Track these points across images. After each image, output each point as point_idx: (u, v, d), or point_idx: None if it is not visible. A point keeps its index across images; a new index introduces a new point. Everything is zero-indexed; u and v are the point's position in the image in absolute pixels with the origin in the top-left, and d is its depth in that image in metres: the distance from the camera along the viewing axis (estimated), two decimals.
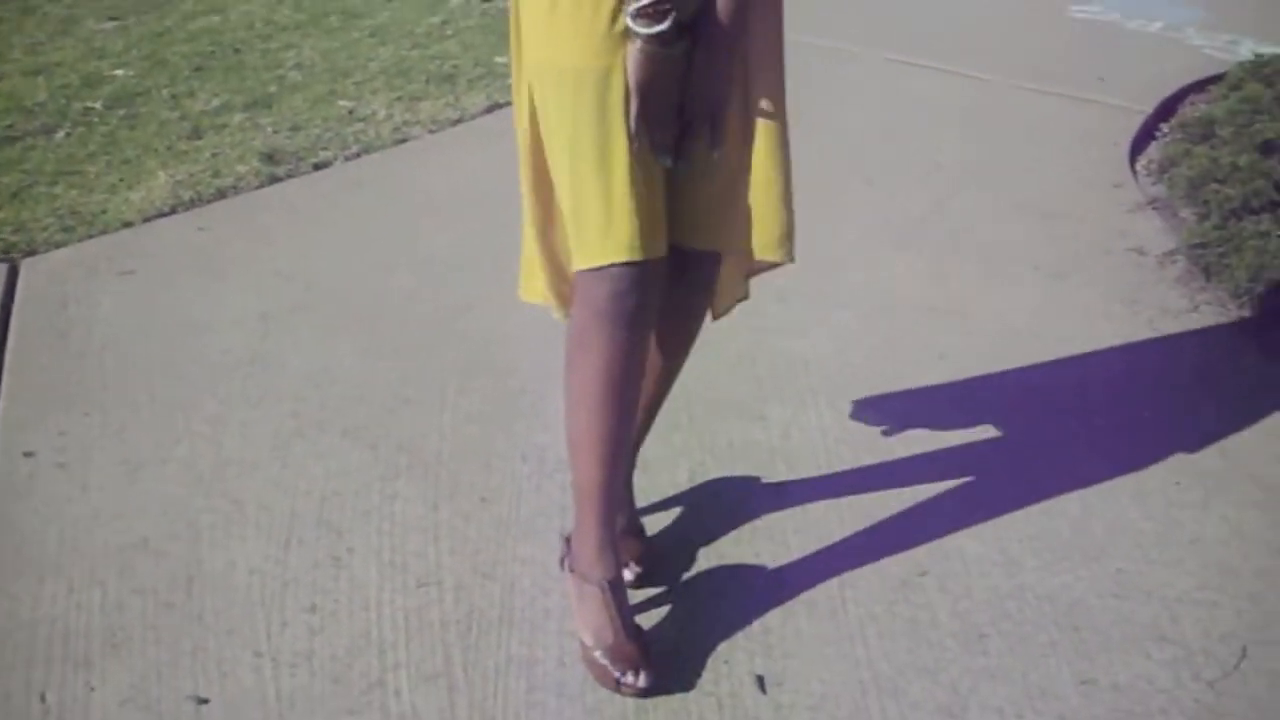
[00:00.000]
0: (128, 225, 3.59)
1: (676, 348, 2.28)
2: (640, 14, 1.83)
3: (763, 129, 2.10)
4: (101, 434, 2.75)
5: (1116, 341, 3.19)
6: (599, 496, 2.14)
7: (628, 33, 1.86)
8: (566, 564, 2.24)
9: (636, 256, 1.95)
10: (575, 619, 2.20)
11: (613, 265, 1.95)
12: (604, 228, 1.94)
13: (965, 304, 3.34)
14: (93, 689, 2.12)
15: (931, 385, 2.98)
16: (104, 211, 3.63)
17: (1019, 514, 2.59)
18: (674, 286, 2.11)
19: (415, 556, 2.42)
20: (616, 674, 2.12)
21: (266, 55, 4.86)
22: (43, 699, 2.10)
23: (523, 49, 2.02)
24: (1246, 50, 5.18)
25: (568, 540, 2.25)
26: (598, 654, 2.14)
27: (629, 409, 2.10)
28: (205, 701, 2.10)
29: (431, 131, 4.19)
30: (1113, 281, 3.48)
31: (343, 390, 2.90)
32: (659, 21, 1.83)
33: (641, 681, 2.11)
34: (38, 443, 2.70)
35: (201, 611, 2.28)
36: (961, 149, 4.26)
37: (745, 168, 2.10)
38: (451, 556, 2.43)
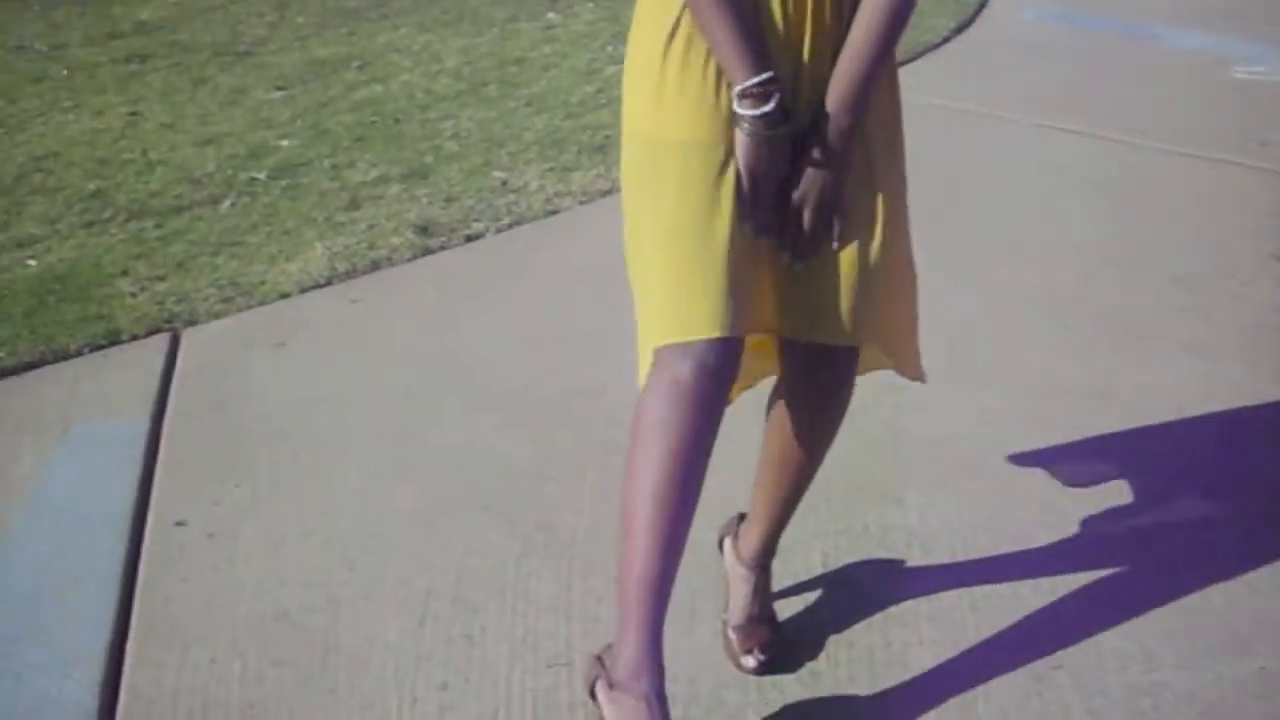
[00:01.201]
0: (284, 296, 3.71)
1: (814, 444, 2.21)
2: (745, 94, 1.86)
3: (883, 225, 2.04)
4: (251, 505, 2.84)
5: (1266, 425, 3.11)
6: (650, 596, 2.00)
7: (734, 114, 1.89)
8: (597, 682, 2.10)
9: (721, 333, 1.92)
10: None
11: (695, 342, 1.93)
12: (689, 303, 1.93)
13: (1111, 384, 3.28)
14: None
15: (1073, 469, 2.93)
16: (263, 283, 3.76)
17: (1159, 607, 2.53)
18: (810, 383, 2.12)
19: (547, 636, 2.45)
20: None
21: (425, 125, 4.99)
22: None
23: (624, 119, 2.04)
24: None
25: (599, 659, 2.14)
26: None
27: (693, 497, 2.00)
28: None
29: (582, 202, 4.26)
30: (1266, 360, 3.39)
31: (484, 466, 2.95)
32: (763, 103, 1.85)
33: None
34: (190, 513, 2.80)
35: (336, 686, 2.34)
36: (1113, 219, 4.19)
37: (879, 257, 2.03)
38: (583, 638, 2.45)
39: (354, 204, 4.27)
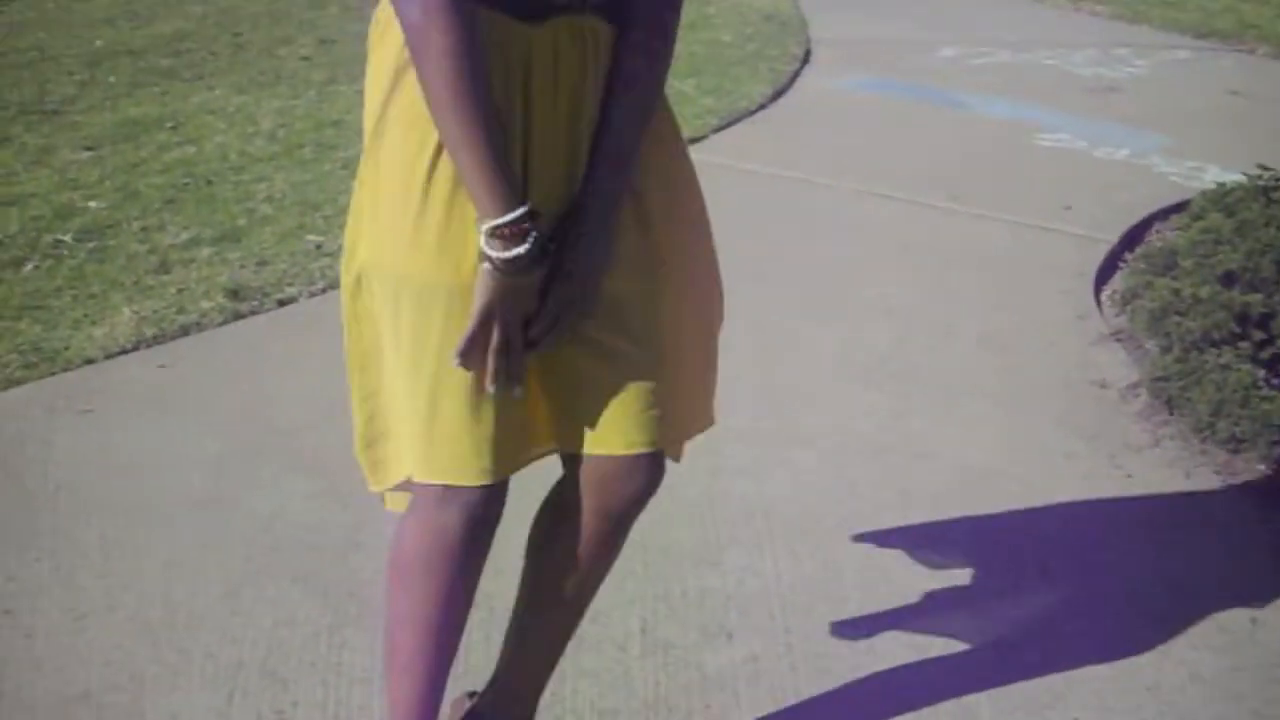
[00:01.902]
0: (90, 362, 3.58)
1: (600, 553, 1.97)
2: (496, 234, 1.64)
3: (696, 311, 1.92)
4: (51, 580, 2.72)
5: (1077, 480, 3.19)
6: (418, 713, 1.99)
7: (481, 251, 1.66)
8: None
9: (492, 480, 1.80)
10: None
11: (462, 488, 1.81)
12: (454, 450, 1.78)
13: (926, 442, 3.34)
14: None
15: (890, 529, 2.97)
16: (67, 348, 3.63)
17: (975, 663, 2.56)
18: (610, 496, 1.89)
19: (359, 709, 2.39)
20: None
21: (239, 187, 4.90)
22: None
23: (362, 245, 1.79)
24: (1211, 177, 5.24)
25: None
26: None
27: (460, 627, 1.98)
28: None
29: None
30: (1075, 416, 3.49)
31: (296, 535, 2.88)
32: (517, 244, 1.64)
33: None
34: None
35: None
36: (924, 281, 4.29)
37: (673, 354, 1.86)
38: None
39: (164, 267, 4.16)
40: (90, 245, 4.34)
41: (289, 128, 5.65)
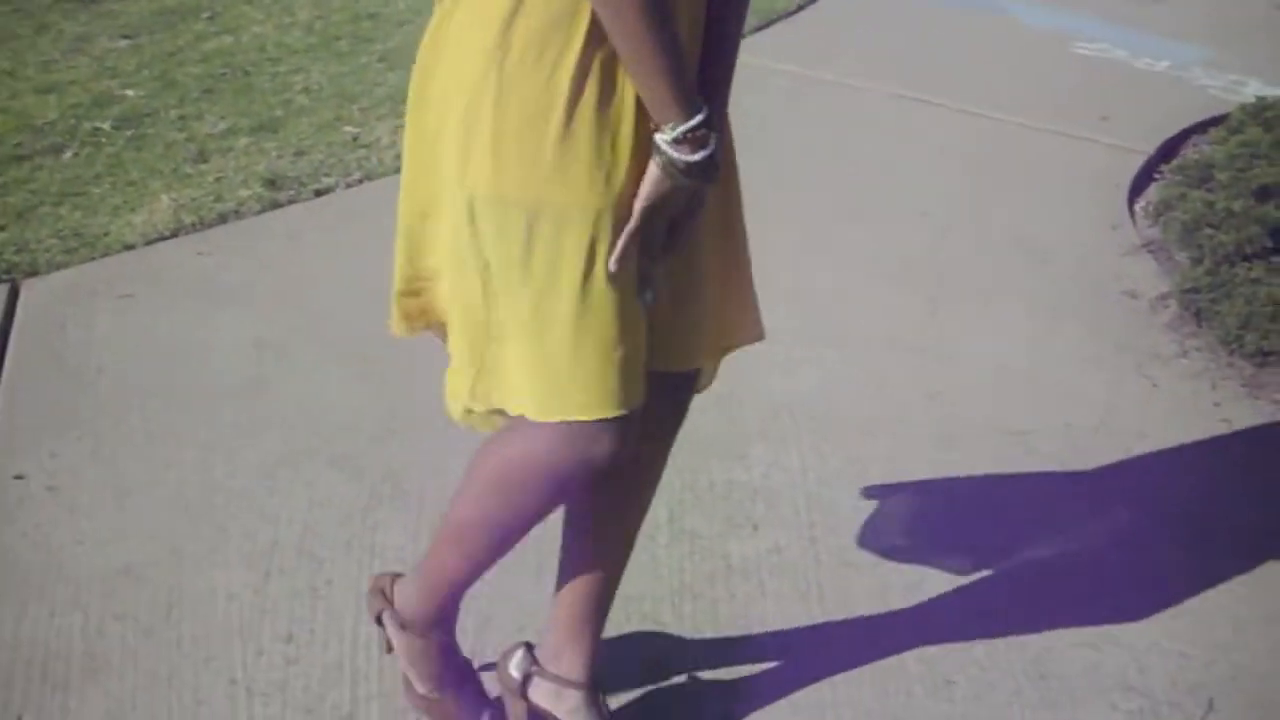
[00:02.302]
0: (129, 248, 3.63)
1: (655, 471, 2.07)
2: (685, 139, 1.61)
3: (735, 225, 1.92)
4: (93, 458, 2.78)
5: (1104, 386, 3.21)
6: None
7: (658, 157, 1.63)
8: (385, 614, 2.14)
9: (623, 410, 1.74)
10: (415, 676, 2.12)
11: (594, 421, 1.74)
12: (608, 379, 1.72)
13: (956, 344, 3.36)
14: (69, 712, 2.16)
15: (916, 426, 3.00)
16: (106, 234, 3.67)
17: (994, 558, 2.61)
18: (673, 408, 1.99)
19: None
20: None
21: (275, 78, 4.90)
22: None
23: (476, 175, 1.68)
24: (1252, 91, 5.20)
25: (382, 592, 2.15)
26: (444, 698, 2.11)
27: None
28: None
29: None
30: (1104, 324, 3.50)
31: (332, 419, 2.93)
32: (701, 148, 1.62)
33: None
34: (29, 466, 2.74)
35: (180, 638, 2.32)
36: (959, 186, 4.28)
37: (727, 273, 1.91)
38: None
39: (202, 156, 4.19)
40: (129, 133, 4.37)
41: (326, 19, 5.64)
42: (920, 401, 3.10)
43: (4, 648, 2.29)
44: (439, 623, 2.08)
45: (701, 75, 1.71)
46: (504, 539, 1.94)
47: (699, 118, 1.60)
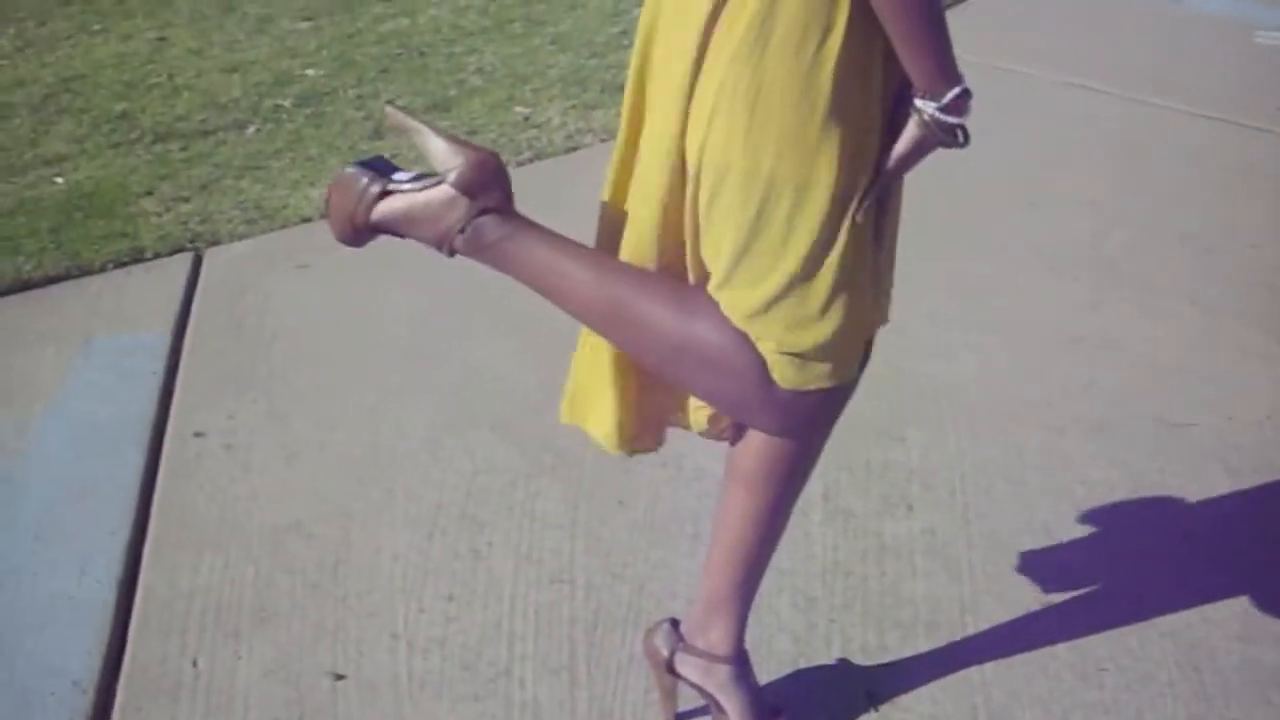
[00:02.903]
0: (306, 221, 3.76)
1: (821, 445, 2.04)
2: (951, 107, 1.66)
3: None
4: (267, 419, 2.90)
5: (1270, 383, 3.15)
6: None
7: (920, 123, 1.68)
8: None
9: (849, 379, 1.84)
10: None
11: (830, 389, 1.81)
12: (847, 344, 1.79)
13: (1117, 335, 3.32)
14: (240, 659, 2.26)
15: (1074, 415, 2.98)
16: (285, 206, 3.81)
17: (1151, 548, 2.59)
18: None
19: (551, 553, 2.52)
20: None
21: (450, 59, 5.02)
22: (194, 664, 2.25)
23: (729, 152, 1.69)
24: None
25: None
26: None
27: None
28: (342, 678, 2.22)
29: (603, 140, 4.29)
30: (1270, 319, 3.43)
31: (497, 387, 3.02)
32: (962, 114, 1.68)
33: None
34: (208, 424, 2.87)
35: (346, 594, 2.41)
36: (1128, 176, 4.22)
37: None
38: (586, 555, 2.52)
39: (377, 134, 4.31)
40: (308, 111, 4.52)
41: (499, 2, 5.76)
42: (1079, 390, 3.08)
43: (180, 596, 2.40)
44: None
45: None
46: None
47: (961, 85, 1.67)
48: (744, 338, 1.78)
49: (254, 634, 2.32)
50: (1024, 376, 3.13)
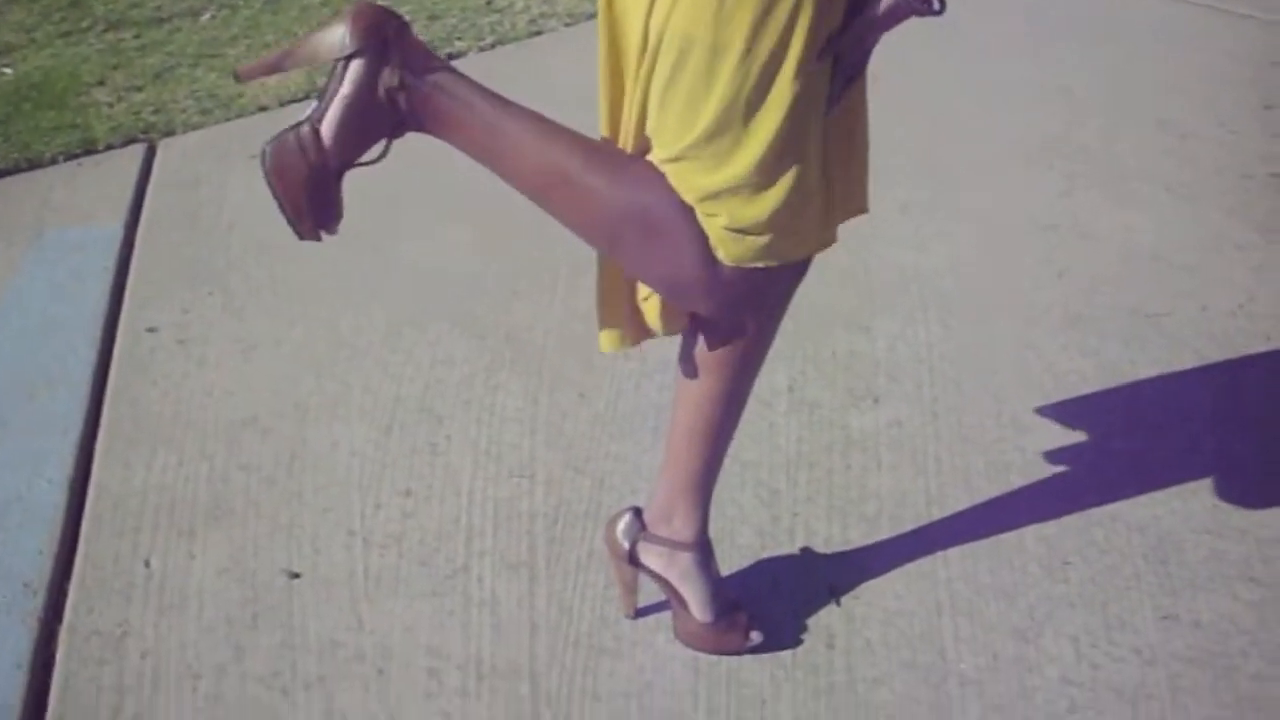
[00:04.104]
0: (263, 109, 3.67)
1: (775, 330, 1.98)
2: None
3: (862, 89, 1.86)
4: (222, 313, 2.84)
5: (1246, 271, 3.10)
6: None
7: None
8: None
9: (813, 251, 1.81)
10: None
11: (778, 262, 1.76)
12: (797, 219, 1.72)
13: (1091, 223, 3.27)
14: (193, 557, 2.22)
15: (1046, 305, 2.93)
16: (240, 95, 3.71)
17: (1119, 440, 2.55)
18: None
19: (510, 448, 2.47)
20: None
21: None
22: (147, 564, 2.21)
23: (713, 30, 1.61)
24: None
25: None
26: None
27: None
28: (297, 576, 2.18)
29: (567, 24, 4.19)
30: (1249, 207, 3.37)
31: (455, 280, 2.95)
32: None
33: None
34: (161, 319, 2.80)
35: (301, 489, 2.37)
36: (1103, 63, 4.14)
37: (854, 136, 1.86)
38: (546, 449, 2.47)
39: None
40: None
41: None
42: (1051, 280, 3.03)
43: (134, 493, 2.35)
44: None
45: None
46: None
47: None
48: (690, 211, 1.72)
49: (208, 532, 2.27)
50: (996, 266, 3.07)
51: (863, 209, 1.90)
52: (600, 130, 1.80)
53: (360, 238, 3.09)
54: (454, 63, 3.90)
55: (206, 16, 4.24)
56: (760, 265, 1.74)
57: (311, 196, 1.81)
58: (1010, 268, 3.07)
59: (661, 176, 1.72)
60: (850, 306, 2.89)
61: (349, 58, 1.73)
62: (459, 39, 4.05)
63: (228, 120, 3.62)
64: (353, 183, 3.15)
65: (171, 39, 4.08)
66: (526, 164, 1.78)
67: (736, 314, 1.81)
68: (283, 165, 1.78)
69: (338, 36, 1.72)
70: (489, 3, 4.32)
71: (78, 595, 2.15)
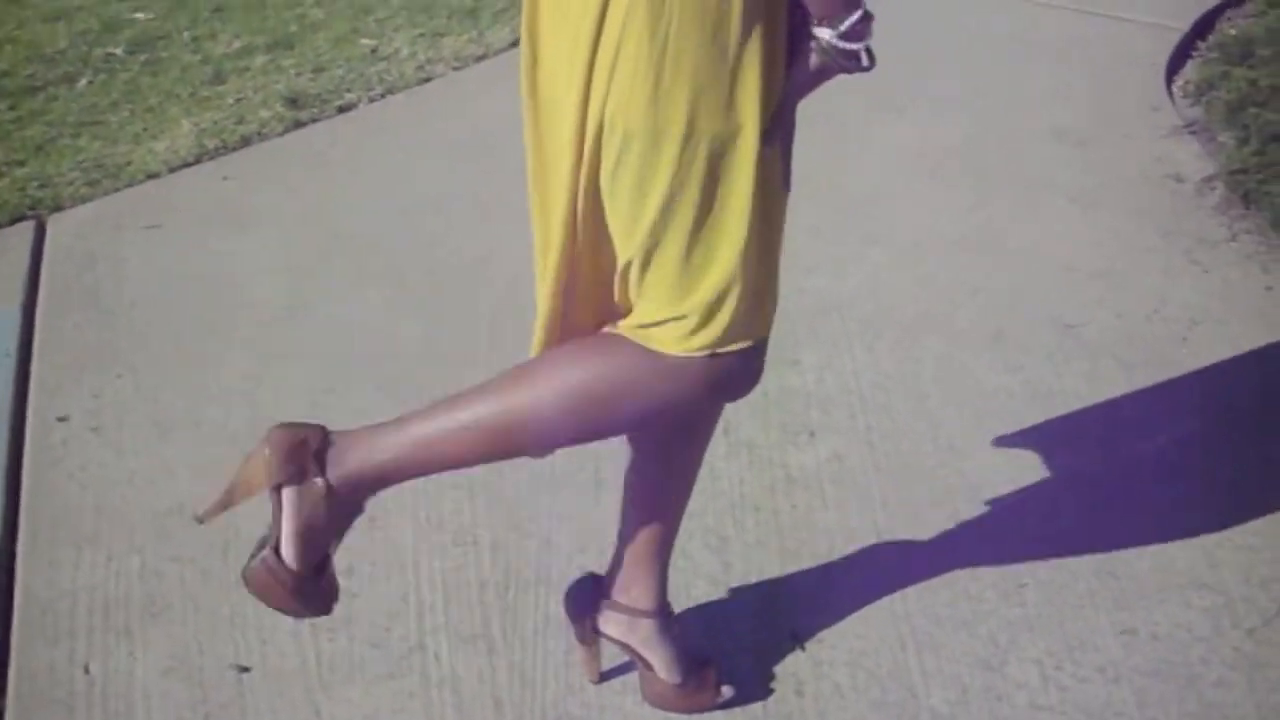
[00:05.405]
0: (153, 176, 3.57)
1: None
2: (852, 33, 1.59)
3: None
4: (135, 395, 2.75)
5: (1153, 273, 3.14)
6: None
7: (819, 51, 1.60)
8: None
9: (766, 333, 1.76)
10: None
11: (756, 342, 1.73)
12: (756, 301, 1.69)
13: (1000, 236, 3.29)
14: (135, 659, 2.15)
15: (966, 323, 2.95)
16: (129, 163, 3.61)
17: (1055, 456, 2.56)
18: None
19: (451, 514, 2.42)
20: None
21: None
22: (86, 670, 2.13)
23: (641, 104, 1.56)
24: None
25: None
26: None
27: None
28: (247, 670, 2.11)
29: (455, 69, 4.14)
30: (1150, 209, 3.42)
31: (374, 342, 2.89)
32: (861, 39, 1.61)
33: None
34: (71, 406, 2.71)
35: (239, 578, 2.28)
36: (994, 73, 4.18)
37: None
38: (487, 512, 2.43)
39: (219, 77, 4.11)
40: (143, 57, 4.29)
41: None
42: (967, 297, 3.04)
43: (64, 594, 2.26)
44: (374, 488, 1.84)
45: None
46: (537, 444, 1.83)
47: (860, 9, 1.59)
48: (625, 352, 1.69)
49: (147, 630, 2.19)
50: (913, 287, 3.08)
51: None
52: (533, 219, 1.76)
53: (271, 305, 3.02)
54: (345, 116, 3.86)
55: (84, 82, 4.12)
56: (737, 348, 1.70)
57: (301, 600, 1.82)
58: (926, 287, 3.08)
59: (578, 351, 1.72)
60: (776, 339, 2.83)
61: (277, 487, 1.77)
62: (348, 90, 3.98)
63: (117, 190, 3.52)
64: (256, 249, 3.08)
65: (49, 108, 3.96)
66: (473, 448, 1.77)
67: (713, 402, 1.79)
68: (264, 588, 1.82)
69: (263, 468, 1.77)
70: (374, 51, 4.25)
71: (16, 711, 2.06)
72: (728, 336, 1.67)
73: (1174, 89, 4.15)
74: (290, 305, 3.02)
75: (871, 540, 2.36)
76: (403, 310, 2.99)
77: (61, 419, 2.67)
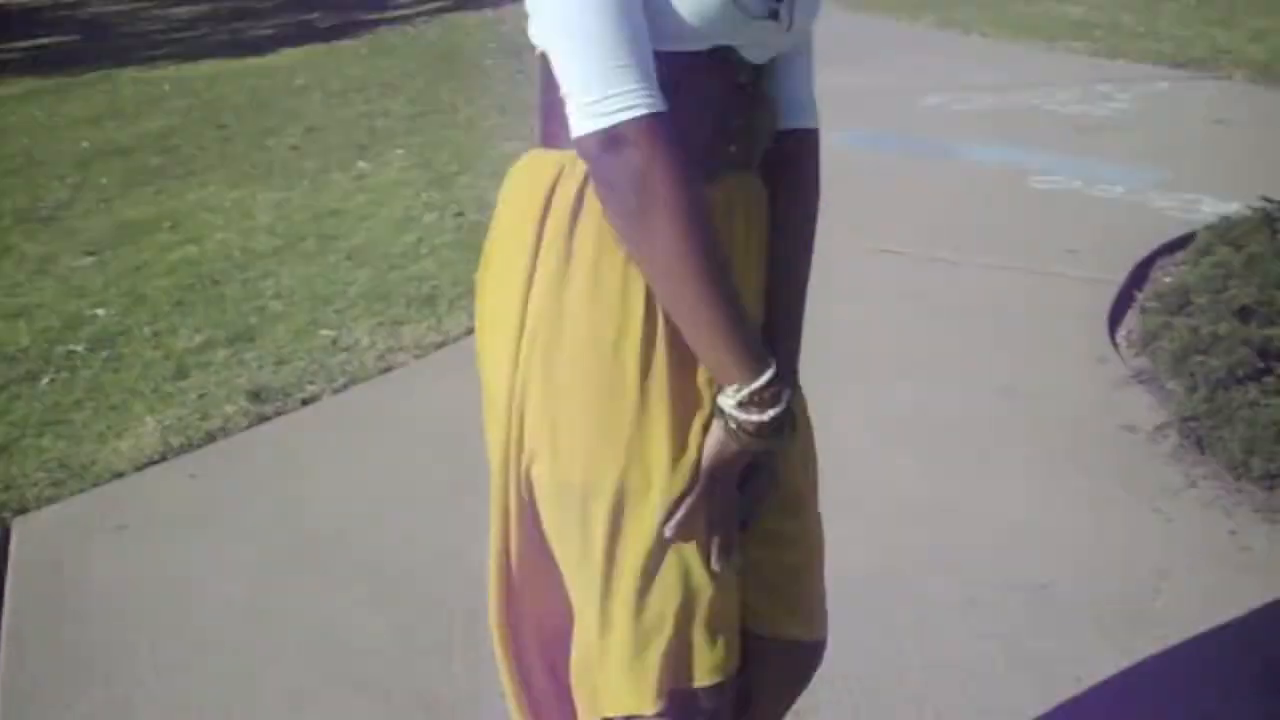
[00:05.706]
0: (119, 475, 3.57)
1: None
2: (753, 399, 1.46)
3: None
4: (106, 707, 2.70)
5: (1116, 526, 3.19)
6: None
7: (721, 419, 1.49)
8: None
9: (721, 677, 1.62)
10: None
11: (700, 689, 1.61)
12: (685, 650, 1.59)
13: (960, 500, 3.33)
14: None
15: (936, 592, 2.96)
16: (94, 463, 3.62)
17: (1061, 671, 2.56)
18: (782, 680, 1.87)
19: None
20: None
21: (246, 285, 4.90)
22: None
23: (546, 457, 1.56)
24: (1209, 209, 5.29)
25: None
26: None
27: None
28: None
29: (417, 356, 4.21)
30: (1107, 462, 3.49)
31: (351, 642, 2.87)
32: (773, 406, 1.48)
33: None
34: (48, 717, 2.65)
35: None
36: (939, 336, 4.29)
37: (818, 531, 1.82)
38: None
39: (181, 372, 4.16)
40: (104, 354, 4.34)
41: (287, 220, 5.66)
42: (935, 564, 3.06)
43: None
44: None
45: (768, 323, 1.64)
46: None
47: (767, 375, 1.46)
48: None
49: None
50: (881, 556, 3.10)
51: (814, 630, 1.83)
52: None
53: (245, 607, 3.00)
54: (309, 408, 3.90)
55: (45, 381, 4.15)
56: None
57: None
58: (894, 556, 3.10)
59: None
60: None
61: None
62: (310, 383, 4.03)
63: (83, 490, 3.51)
64: (225, 549, 3.06)
65: (12, 407, 3.98)
66: None
67: None
68: None
69: None
70: (335, 342, 4.32)
71: None
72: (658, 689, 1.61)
73: (1118, 339, 4.28)
74: (262, 606, 3.00)
75: None
76: (378, 607, 2.98)
77: None
